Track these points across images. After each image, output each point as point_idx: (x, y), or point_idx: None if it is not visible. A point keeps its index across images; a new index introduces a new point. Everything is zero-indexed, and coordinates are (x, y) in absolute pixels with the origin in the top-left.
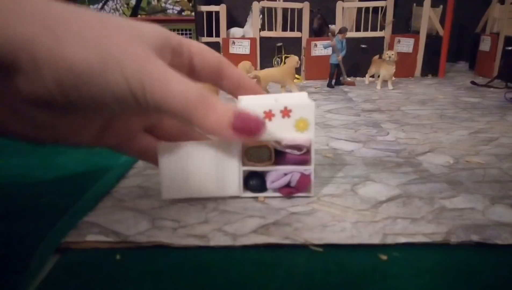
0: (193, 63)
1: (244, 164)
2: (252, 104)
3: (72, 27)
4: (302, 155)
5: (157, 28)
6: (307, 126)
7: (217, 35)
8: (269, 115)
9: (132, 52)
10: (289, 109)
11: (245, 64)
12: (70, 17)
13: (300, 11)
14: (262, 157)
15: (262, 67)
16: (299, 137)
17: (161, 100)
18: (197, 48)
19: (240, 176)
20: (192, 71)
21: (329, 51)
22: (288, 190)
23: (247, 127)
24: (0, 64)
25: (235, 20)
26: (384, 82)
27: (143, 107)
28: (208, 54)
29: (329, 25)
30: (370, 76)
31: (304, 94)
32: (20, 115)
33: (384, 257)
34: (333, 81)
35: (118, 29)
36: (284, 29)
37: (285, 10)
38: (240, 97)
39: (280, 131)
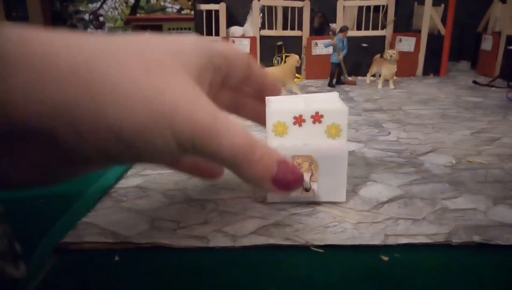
0: (226, 71)
1: None
2: (281, 108)
3: (116, 87)
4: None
5: (199, 44)
6: (339, 132)
7: (217, 34)
8: (299, 120)
9: (179, 98)
10: (320, 114)
11: None
12: (112, 72)
13: (300, 9)
14: None
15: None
16: (331, 144)
17: (209, 153)
18: (228, 52)
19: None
20: (226, 78)
21: (330, 50)
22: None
23: (287, 182)
24: (35, 134)
25: (235, 19)
26: (386, 81)
27: (187, 154)
28: (238, 57)
29: (330, 24)
30: (371, 76)
31: (335, 95)
32: (42, 169)
33: (385, 258)
34: (334, 80)
35: (160, 65)
36: (285, 28)
37: (285, 9)
38: (267, 98)
39: (311, 137)
